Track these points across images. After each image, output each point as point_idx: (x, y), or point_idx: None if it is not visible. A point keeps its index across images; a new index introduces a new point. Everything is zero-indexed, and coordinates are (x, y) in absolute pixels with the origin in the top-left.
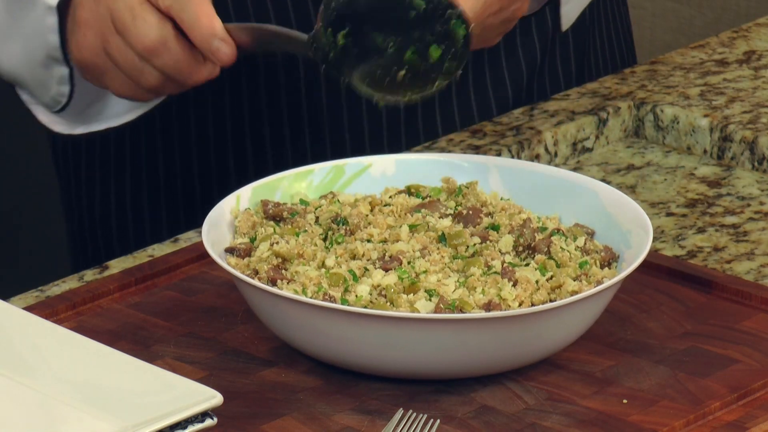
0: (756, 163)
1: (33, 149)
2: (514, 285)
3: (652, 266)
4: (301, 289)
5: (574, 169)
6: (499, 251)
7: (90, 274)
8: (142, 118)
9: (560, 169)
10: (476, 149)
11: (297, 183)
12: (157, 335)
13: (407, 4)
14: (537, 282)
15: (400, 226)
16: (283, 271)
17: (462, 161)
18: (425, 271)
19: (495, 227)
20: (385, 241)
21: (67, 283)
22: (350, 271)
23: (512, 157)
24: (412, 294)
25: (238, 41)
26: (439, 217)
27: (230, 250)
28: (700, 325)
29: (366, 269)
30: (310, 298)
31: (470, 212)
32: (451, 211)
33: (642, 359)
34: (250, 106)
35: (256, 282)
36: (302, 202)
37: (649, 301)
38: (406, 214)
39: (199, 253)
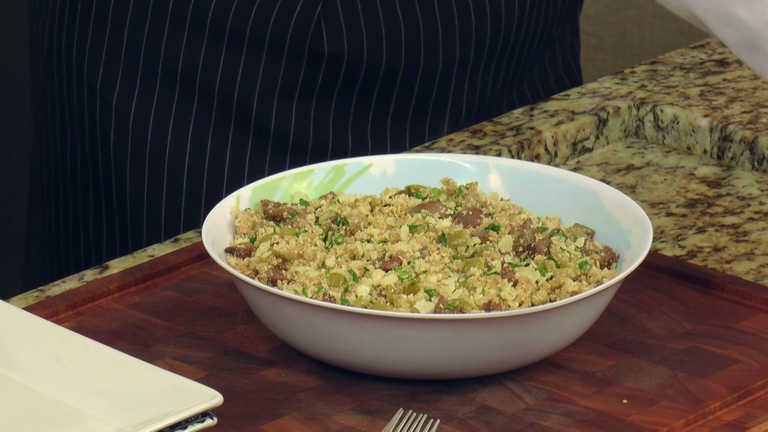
0: (756, 163)
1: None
2: (514, 285)
3: (652, 266)
4: (301, 289)
5: (574, 170)
6: (499, 251)
7: (90, 274)
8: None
9: (560, 169)
10: (476, 149)
11: (297, 183)
12: (157, 335)
13: None
14: (537, 282)
15: (400, 227)
16: (283, 271)
17: (462, 161)
18: (425, 272)
19: (495, 228)
20: (385, 242)
21: (67, 283)
22: (350, 271)
23: (512, 157)
24: (412, 294)
25: None
26: (439, 218)
27: (230, 250)
28: (699, 325)
29: (366, 269)
30: (310, 298)
31: (470, 213)
32: (451, 212)
33: (642, 359)
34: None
35: (256, 282)
36: (302, 202)
37: (649, 301)
38: (406, 214)
39: (199, 253)
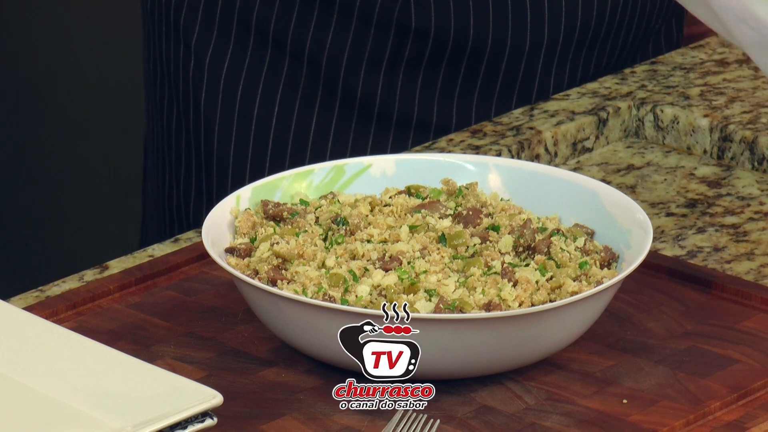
0: (756, 163)
1: (33, 148)
2: (514, 285)
3: (652, 266)
4: (301, 289)
5: (574, 170)
6: (499, 251)
7: (90, 274)
8: None
9: (560, 169)
10: (476, 149)
11: (297, 183)
12: (157, 335)
13: None
14: (537, 282)
15: (400, 227)
16: (283, 271)
17: (462, 161)
18: (425, 272)
19: (495, 228)
20: (385, 242)
21: (67, 283)
22: (350, 271)
23: (512, 157)
24: (412, 294)
25: None
26: (439, 218)
27: (230, 250)
28: (699, 325)
29: (366, 269)
30: (310, 298)
31: (470, 213)
32: (451, 212)
33: (642, 359)
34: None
35: (256, 282)
36: (302, 202)
37: (648, 301)
38: (406, 214)
39: (199, 253)
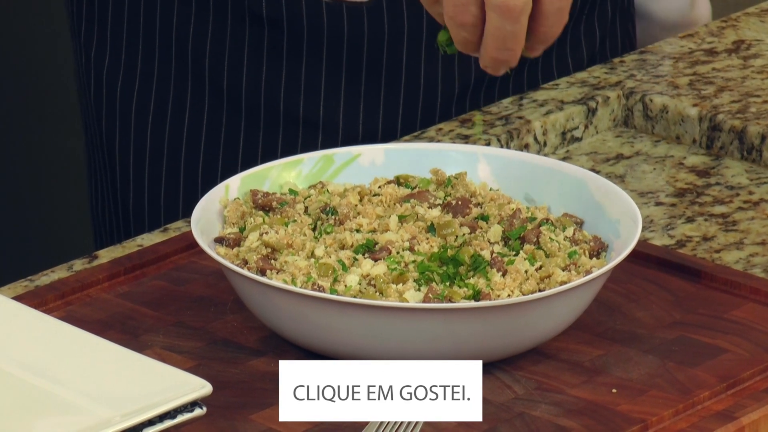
0: (745, 153)
1: (20, 138)
2: (504, 275)
3: (641, 256)
4: (291, 279)
5: (564, 159)
6: (488, 241)
7: (79, 264)
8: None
9: (549, 158)
10: (465, 139)
11: (286, 172)
12: (146, 325)
13: None
14: (526, 272)
15: (389, 216)
16: (273, 260)
17: (451, 151)
18: (414, 261)
19: (484, 217)
20: (374, 231)
21: (56, 273)
22: (339, 261)
23: (501, 146)
24: (401, 284)
25: None
26: (429, 207)
27: (219, 240)
28: (689, 314)
29: (355, 259)
30: (300, 287)
31: (459, 202)
32: (440, 202)
33: (631, 349)
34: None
35: (245, 272)
36: (291, 191)
37: (638, 290)
38: (395, 204)
39: (188, 243)
